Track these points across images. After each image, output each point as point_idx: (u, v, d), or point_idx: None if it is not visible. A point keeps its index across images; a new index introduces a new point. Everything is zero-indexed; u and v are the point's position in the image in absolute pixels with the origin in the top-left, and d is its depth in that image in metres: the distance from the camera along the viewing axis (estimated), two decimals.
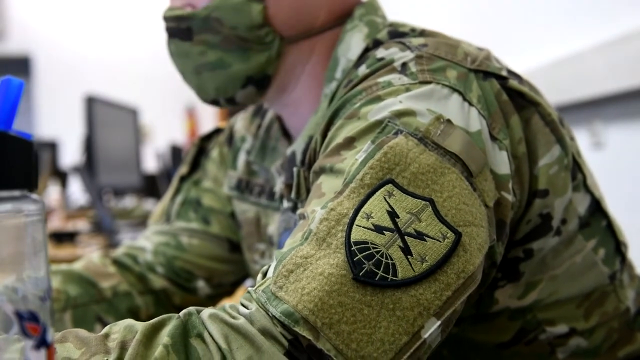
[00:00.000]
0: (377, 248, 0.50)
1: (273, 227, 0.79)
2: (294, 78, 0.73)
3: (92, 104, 2.30)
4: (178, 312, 0.52)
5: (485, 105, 0.60)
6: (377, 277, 0.49)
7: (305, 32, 0.71)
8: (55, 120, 6.01)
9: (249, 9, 0.68)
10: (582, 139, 1.57)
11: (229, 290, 0.91)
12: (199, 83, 0.73)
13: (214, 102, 0.74)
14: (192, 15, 0.69)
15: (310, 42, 0.71)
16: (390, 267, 0.49)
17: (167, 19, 0.72)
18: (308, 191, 0.66)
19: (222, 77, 0.70)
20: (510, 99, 0.63)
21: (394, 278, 0.49)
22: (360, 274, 0.49)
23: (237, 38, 0.69)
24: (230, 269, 0.88)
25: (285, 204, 0.73)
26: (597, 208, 0.68)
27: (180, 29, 0.70)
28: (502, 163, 0.59)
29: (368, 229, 0.50)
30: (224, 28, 0.69)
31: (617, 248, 0.70)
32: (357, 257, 0.49)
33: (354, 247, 0.50)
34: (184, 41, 0.71)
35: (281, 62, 0.71)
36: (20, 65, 6.09)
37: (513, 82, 0.64)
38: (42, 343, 0.36)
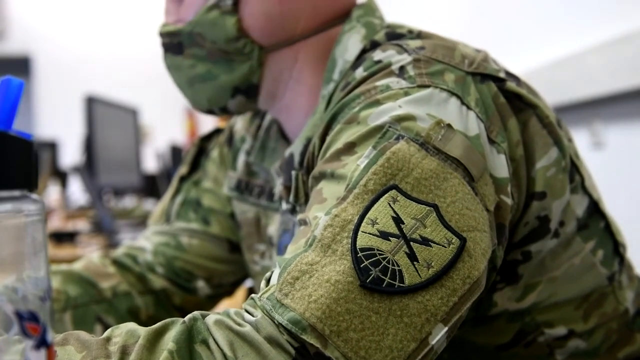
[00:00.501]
0: (383, 254, 0.50)
1: (273, 227, 0.79)
2: (281, 84, 0.73)
3: (92, 104, 2.30)
4: (178, 313, 0.52)
5: (483, 109, 0.60)
6: (384, 283, 0.49)
7: (285, 40, 0.71)
8: (55, 120, 6.01)
9: (223, 22, 0.69)
10: (582, 139, 1.58)
11: (229, 290, 0.91)
12: (193, 94, 0.75)
13: (210, 111, 0.76)
14: (179, 31, 0.72)
15: (293, 49, 0.72)
16: (397, 273, 0.49)
17: (161, 34, 0.74)
18: (306, 195, 0.66)
19: (212, 88, 0.73)
20: (508, 102, 0.63)
21: (401, 284, 0.49)
22: (367, 280, 0.49)
23: (219, 51, 0.71)
24: (230, 270, 0.88)
25: (284, 205, 0.73)
26: (595, 209, 0.68)
27: (172, 44, 0.73)
28: (500, 167, 0.59)
29: (373, 235, 0.50)
30: (206, 42, 0.71)
31: (616, 249, 0.70)
32: (363, 264, 0.49)
33: (360, 254, 0.49)
34: (176, 55, 0.73)
35: (265, 71, 0.72)
36: (20, 65, 6.09)
37: (511, 85, 0.64)
38: (42, 343, 0.36)
